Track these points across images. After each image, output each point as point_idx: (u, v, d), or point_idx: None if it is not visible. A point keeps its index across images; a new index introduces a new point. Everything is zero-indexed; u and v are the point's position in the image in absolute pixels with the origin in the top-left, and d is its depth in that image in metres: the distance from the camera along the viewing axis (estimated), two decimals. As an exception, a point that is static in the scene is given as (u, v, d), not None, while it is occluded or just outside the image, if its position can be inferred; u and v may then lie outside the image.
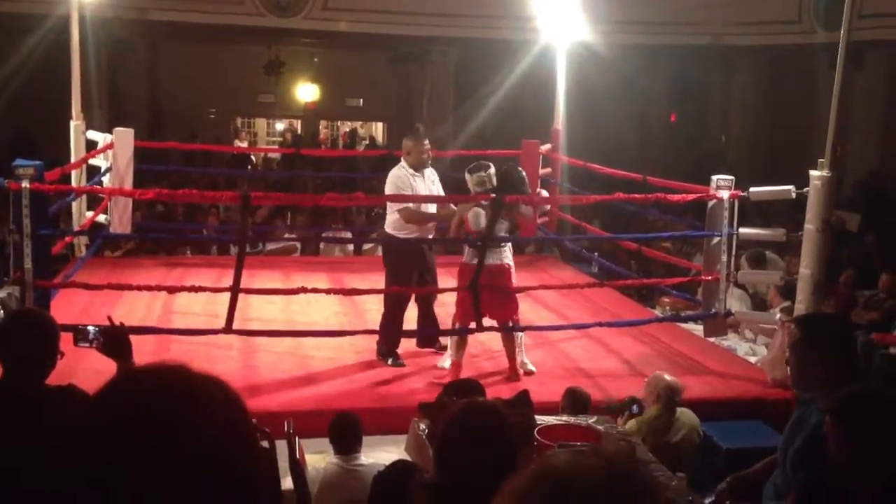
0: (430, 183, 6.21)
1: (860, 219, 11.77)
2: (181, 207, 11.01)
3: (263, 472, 1.04)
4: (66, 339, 2.94)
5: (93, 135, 8.46)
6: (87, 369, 4.30)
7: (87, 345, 2.93)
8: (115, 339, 2.90)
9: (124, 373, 1.12)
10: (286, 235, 10.44)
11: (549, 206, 8.78)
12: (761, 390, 5.79)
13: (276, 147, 21.28)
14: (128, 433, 0.97)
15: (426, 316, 6.40)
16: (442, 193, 6.39)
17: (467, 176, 5.98)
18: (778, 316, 6.44)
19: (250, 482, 1.04)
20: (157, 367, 1.07)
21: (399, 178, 6.09)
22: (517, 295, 6.08)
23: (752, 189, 6.46)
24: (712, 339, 6.87)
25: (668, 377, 4.97)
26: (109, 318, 2.99)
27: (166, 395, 1.01)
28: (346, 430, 4.31)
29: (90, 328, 2.94)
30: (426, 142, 6.21)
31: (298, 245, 10.30)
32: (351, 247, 10.38)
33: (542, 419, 3.85)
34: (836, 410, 2.75)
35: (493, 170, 5.93)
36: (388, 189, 6.16)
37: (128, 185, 8.02)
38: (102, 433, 0.97)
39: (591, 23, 9.70)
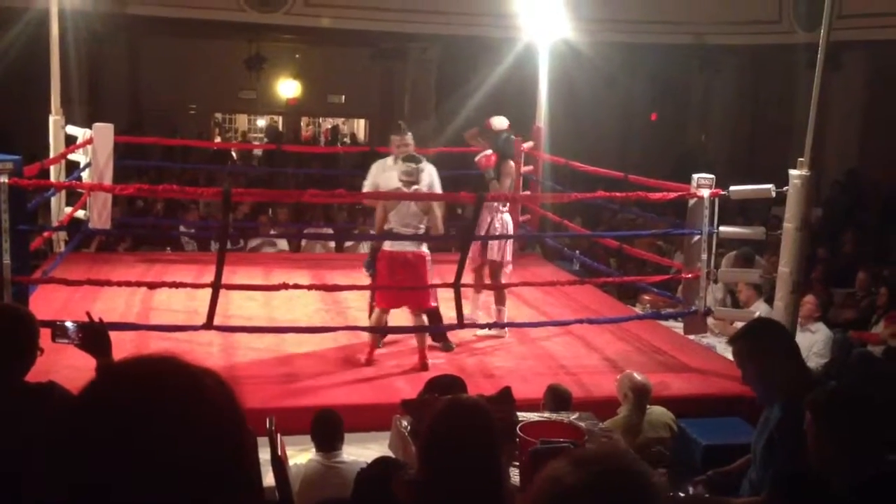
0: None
1: (821, 212, 11.91)
2: (160, 203, 10.92)
3: (256, 459, 1.04)
4: (44, 335, 2.91)
5: (72, 130, 8.38)
6: (66, 366, 4.27)
7: (66, 341, 2.90)
8: (93, 336, 2.87)
9: (115, 364, 1.11)
10: (270, 232, 10.41)
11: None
12: (740, 387, 5.82)
13: (257, 143, 21.18)
14: (123, 422, 0.96)
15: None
16: (432, 183, 6.61)
17: (399, 164, 6.19)
18: (757, 313, 6.49)
19: (245, 467, 1.04)
20: (147, 357, 1.06)
21: (374, 166, 6.76)
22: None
23: (732, 188, 6.51)
24: (692, 337, 6.92)
25: (637, 377, 4.99)
26: (88, 315, 2.96)
27: (159, 383, 1.01)
28: (327, 426, 4.31)
29: (69, 324, 2.91)
30: (401, 137, 6.58)
31: (276, 242, 10.25)
32: (333, 244, 10.36)
33: (525, 416, 3.86)
34: (816, 408, 2.79)
35: (423, 165, 6.10)
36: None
37: (107, 180, 7.95)
38: (98, 423, 0.96)
39: (573, 21, 9.73)
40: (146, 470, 0.94)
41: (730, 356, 6.74)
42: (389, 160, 6.65)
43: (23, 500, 0.96)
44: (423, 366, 5.91)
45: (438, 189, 6.67)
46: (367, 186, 6.74)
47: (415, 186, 6.01)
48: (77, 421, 0.98)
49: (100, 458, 0.94)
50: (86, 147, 8.15)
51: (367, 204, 6.93)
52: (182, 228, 10.40)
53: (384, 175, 6.54)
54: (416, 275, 5.99)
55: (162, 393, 0.99)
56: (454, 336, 6.44)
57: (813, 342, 6.62)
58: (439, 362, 6.02)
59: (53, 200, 8.00)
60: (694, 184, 6.48)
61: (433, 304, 6.16)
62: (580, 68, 13.43)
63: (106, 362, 2.82)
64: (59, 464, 0.95)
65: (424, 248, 6.07)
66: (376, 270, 6.18)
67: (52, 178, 7.73)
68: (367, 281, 6.68)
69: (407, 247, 5.97)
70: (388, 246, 6.03)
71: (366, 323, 6.30)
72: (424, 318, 6.15)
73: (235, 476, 1.01)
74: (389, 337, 6.40)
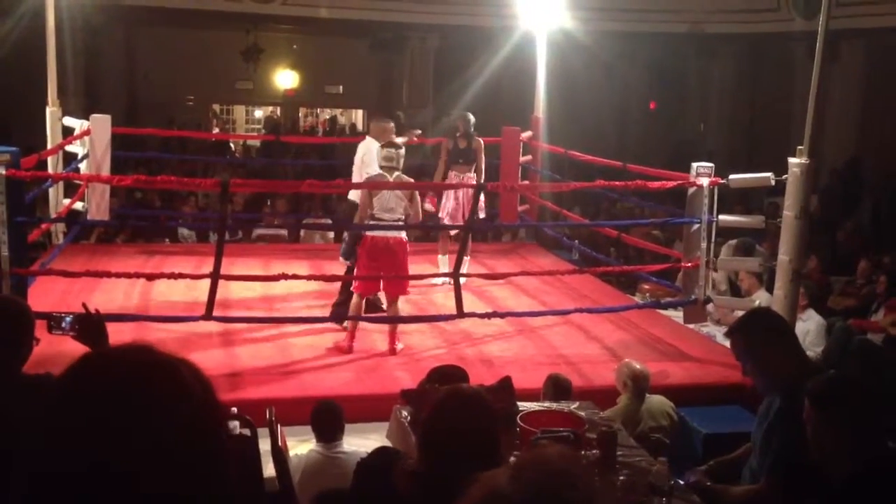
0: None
1: (817, 201, 11.90)
2: (159, 194, 10.90)
3: (232, 454, 1.03)
4: (41, 326, 2.91)
5: (69, 121, 8.35)
6: (63, 357, 4.27)
7: (62, 332, 2.89)
8: (90, 327, 2.86)
9: (91, 354, 1.09)
10: (275, 223, 10.42)
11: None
12: (740, 376, 5.81)
13: (255, 134, 21.14)
14: (98, 411, 0.95)
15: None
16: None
17: (378, 149, 6.31)
18: (757, 302, 6.49)
19: (219, 461, 1.02)
20: (123, 347, 1.05)
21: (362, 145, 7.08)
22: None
23: (731, 176, 6.50)
24: (692, 326, 6.92)
25: (636, 365, 4.99)
26: (84, 306, 2.94)
27: (135, 371, 1.00)
28: (327, 417, 4.31)
29: (65, 315, 2.89)
30: (387, 124, 7.04)
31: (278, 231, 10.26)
32: (331, 234, 10.35)
33: (525, 405, 3.86)
34: (815, 397, 2.78)
35: (403, 151, 6.23)
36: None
37: (105, 171, 7.94)
38: (73, 413, 0.95)
39: (570, 10, 9.70)
40: (122, 458, 0.93)
41: (729, 345, 6.77)
42: (369, 141, 6.87)
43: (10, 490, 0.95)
44: (392, 350, 6.01)
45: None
46: (358, 161, 7.00)
47: (396, 173, 6.08)
48: (52, 410, 0.97)
49: (74, 446, 0.93)
50: (83, 138, 8.13)
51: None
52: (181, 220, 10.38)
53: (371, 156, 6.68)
54: (397, 261, 6.07)
55: (138, 381, 0.98)
56: (454, 325, 6.44)
57: (805, 331, 6.62)
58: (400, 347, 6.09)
59: (51, 192, 7.99)
60: (693, 172, 6.47)
61: (408, 291, 6.28)
62: (578, 57, 13.40)
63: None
64: (35, 453, 0.94)
65: (403, 235, 6.14)
66: (358, 257, 6.24)
67: (50, 170, 7.71)
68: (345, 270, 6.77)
69: (388, 233, 6.04)
70: (369, 232, 6.09)
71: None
72: (398, 304, 6.22)
73: (211, 466, 1.00)
74: (381, 327, 6.41)
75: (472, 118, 7.97)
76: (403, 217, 6.11)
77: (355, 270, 6.35)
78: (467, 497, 1.08)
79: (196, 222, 10.31)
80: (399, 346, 6.10)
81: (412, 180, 6.36)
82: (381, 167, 6.12)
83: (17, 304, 3.03)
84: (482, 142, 8.01)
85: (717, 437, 4.71)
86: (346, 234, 7.16)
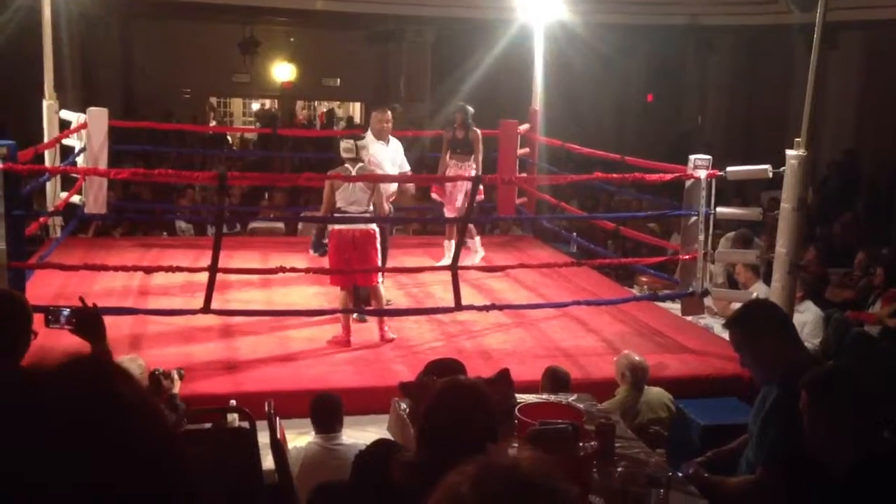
0: (392, 152, 7.16)
1: (811, 193, 11.91)
2: (151, 187, 10.87)
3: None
4: (38, 320, 2.90)
5: (66, 115, 8.34)
6: (61, 351, 4.27)
7: (60, 326, 2.89)
8: (87, 321, 2.86)
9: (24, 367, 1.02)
10: (271, 216, 10.42)
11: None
12: (737, 367, 5.84)
13: (252, 127, 21.11)
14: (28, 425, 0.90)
15: None
16: (402, 163, 7.15)
17: (341, 142, 6.37)
18: (755, 294, 6.50)
19: (174, 472, 0.97)
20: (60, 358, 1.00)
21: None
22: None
23: (729, 168, 6.50)
24: (689, 318, 6.93)
25: (635, 357, 5.00)
26: (82, 299, 2.94)
27: (68, 385, 0.95)
28: (326, 409, 4.31)
29: (62, 309, 2.89)
30: (384, 114, 7.07)
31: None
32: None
33: (523, 398, 3.87)
34: (811, 388, 2.79)
35: (364, 143, 6.30)
36: None
37: (102, 164, 7.92)
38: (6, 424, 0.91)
39: (568, 2, 9.68)
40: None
41: (727, 336, 6.79)
42: (368, 135, 6.87)
43: None
44: (383, 338, 6.07)
45: (406, 167, 6.80)
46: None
47: (360, 164, 6.13)
48: None
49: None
50: (80, 132, 8.11)
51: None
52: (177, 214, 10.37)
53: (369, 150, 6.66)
54: (364, 253, 6.09)
55: (71, 394, 0.93)
56: (452, 317, 6.45)
57: (803, 322, 6.62)
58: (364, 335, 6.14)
59: (49, 185, 7.97)
60: (691, 165, 6.47)
61: (376, 282, 6.30)
62: (575, 50, 13.38)
63: (101, 347, 2.82)
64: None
65: (373, 227, 6.17)
66: (328, 249, 6.31)
67: (47, 164, 7.69)
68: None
69: (355, 225, 6.06)
70: (336, 225, 6.13)
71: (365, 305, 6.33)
72: (378, 292, 6.27)
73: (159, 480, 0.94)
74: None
75: (470, 109, 8.05)
76: (370, 209, 6.13)
77: (329, 264, 6.37)
78: (431, 500, 1.04)
79: (194, 215, 10.31)
80: (390, 334, 6.12)
81: (375, 171, 6.46)
82: (344, 159, 6.16)
83: (14, 298, 3.03)
84: (479, 133, 8.05)
85: (715, 429, 4.72)
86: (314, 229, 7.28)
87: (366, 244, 6.09)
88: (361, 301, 6.41)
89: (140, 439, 0.95)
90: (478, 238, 8.25)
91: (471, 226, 8.22)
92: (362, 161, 6.18)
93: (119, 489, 0.90)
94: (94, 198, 7.95)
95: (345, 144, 6.16)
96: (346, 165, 6.13)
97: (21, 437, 0.90)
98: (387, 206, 6.72)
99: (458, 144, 8.05)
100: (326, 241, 6.75)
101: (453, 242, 7.91)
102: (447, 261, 7.60)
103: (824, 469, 2.74)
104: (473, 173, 7.84)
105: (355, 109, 22.78)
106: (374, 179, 6.21)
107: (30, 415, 0.92)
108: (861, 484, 2.63)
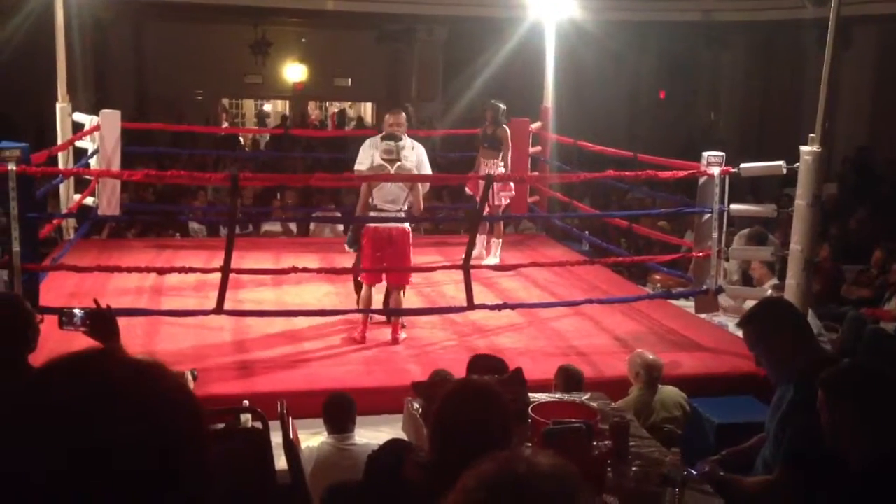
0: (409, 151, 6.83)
1: (835, 188, 11.84)
2: (156, 190, 10.90)
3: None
4: (52, 322, 2.91)
5: (79, 117, 8.37)
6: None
7: (74, 328, 2.89)
8: (101, 322, 2.86)
9: (53, 360, 1.00)
10: (283, 217, 10.43)
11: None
12: (752, 366, 5.79)
13: (265, 128, 21.16)
14: (63, 417, 0.91)
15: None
16: (414, 164, 6.77)
17: (380, 142, 6.30)
18: (769, 292, 6.45)
19: (201, 458, 0.99)
20: (84, 352, 1.00)
21: (366, 142, 6.79)
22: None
23: (742, 165, 6.46)
24: (703, 316, 6.89)
25: (648, 356, 4.97)
26: (96, 301, 2.95)
27: (100, 377, 0.95)
28: (339, 409, 4.31)
29: (76, 311, 2.89)
30: (396, 116, 6.74)
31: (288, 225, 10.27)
32: (341, 227, 10.34)
33: (536, 397, 3.85)
34: (828, 386, 2.76)
35: (403, 143, 6.24)
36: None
37: (115, 166, 7.95)
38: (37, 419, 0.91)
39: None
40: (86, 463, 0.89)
41: (741, 334, 6.75)
42: (378, 138, 6.78)
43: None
44: (395, 340, 6.07)
45: (427, 168, 6.76)
46: (358, 163, 6.80)
47: (398, 164, 6.09)
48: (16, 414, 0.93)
49: (35, 450, 0.89)
50: (93, 134, 8.14)
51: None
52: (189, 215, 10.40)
53: (375, 152, 6.59)
54: (400, 251, 6.08)
55: (103, 385, 0.94)
56: (464, 317, 6.43)
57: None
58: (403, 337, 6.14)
59: (62, 188, 8.02)
60: (704, 161, 6.43)
61: (409, 281, 6.32)
62: (587, 47, 13.34)
63: (114, 348, 2.81)
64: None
65: (407, 225, 6.18)
66: (361, 247, 6.28)
67: (60, 166, 7.72)
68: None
69: (390, 223, 6.04)
70: (371, 222, 6.12)
71: (377, 305, 6.31)
72: (401, 294, 6.25)
73: (187, 470, 0.96)
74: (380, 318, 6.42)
75: (501, 106, 8.13)
76: (406, 208, 6.13)
77: (361, 261, 6.37)
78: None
79: (206, 216, 10.33)
80: (402, 335, 6.11)
81: (414, 171, 6.36)
82: (383, 159, 6.16)
83: (9, 298, 3.03)
84: (508, 130, 8.08)
85: (730, 427, 4.68)
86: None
87: (403, 242, 6.11)
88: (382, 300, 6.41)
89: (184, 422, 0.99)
90: (500, 241, 8.28)
91: (499, 227, 8.29)
92: (400, 161, 6.15)
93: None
94: (107, 200, 7.97)
95: (385, 146, 6.15)
96: (384, 164, 6.11)
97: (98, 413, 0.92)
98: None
99: (485, 140, 8.15)
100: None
101: (491, 238, 8.21)
102: (492, 259, 7.95)
103: (844, 467, 2.71)
104: (501, 170, 7.87)
105: (367, 110, 22.79)
106: (402, 179, 6.13)
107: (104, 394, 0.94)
108: (881, 481, 2.60)
